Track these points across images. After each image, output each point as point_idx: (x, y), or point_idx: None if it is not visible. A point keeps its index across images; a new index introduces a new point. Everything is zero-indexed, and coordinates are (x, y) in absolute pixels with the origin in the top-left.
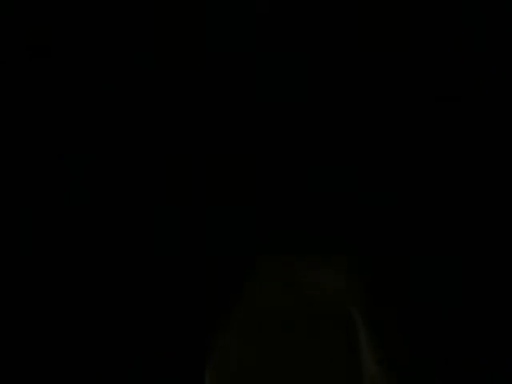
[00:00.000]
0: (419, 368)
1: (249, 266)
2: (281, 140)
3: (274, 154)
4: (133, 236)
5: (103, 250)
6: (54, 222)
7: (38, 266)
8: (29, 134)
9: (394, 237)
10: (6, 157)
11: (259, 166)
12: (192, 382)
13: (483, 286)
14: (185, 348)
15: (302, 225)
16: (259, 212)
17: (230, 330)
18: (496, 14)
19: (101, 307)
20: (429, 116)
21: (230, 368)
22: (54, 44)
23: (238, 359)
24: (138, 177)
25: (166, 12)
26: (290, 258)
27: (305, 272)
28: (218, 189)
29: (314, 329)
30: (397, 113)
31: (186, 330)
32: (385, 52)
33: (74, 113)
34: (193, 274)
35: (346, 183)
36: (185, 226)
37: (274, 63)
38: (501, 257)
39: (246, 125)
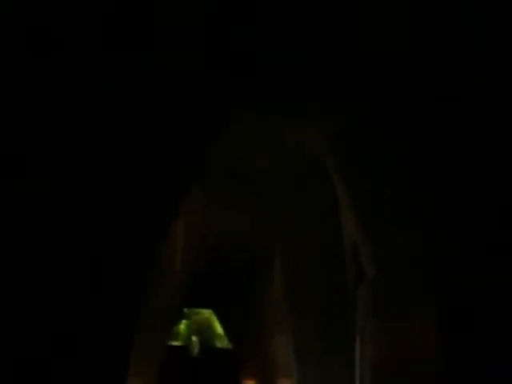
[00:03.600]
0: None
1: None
2: None
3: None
4: None
5: None
6: None
7: None
8: None
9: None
10: None
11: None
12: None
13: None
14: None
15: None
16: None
17: (203, 181)
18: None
19: None
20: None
21: (200, 216)
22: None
23: (210, 208)
24: None
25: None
26: (273, 118)
27: (287, 130)
28: None
29: (291, 181)
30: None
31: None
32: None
33: None
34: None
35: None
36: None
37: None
38: None
39: None
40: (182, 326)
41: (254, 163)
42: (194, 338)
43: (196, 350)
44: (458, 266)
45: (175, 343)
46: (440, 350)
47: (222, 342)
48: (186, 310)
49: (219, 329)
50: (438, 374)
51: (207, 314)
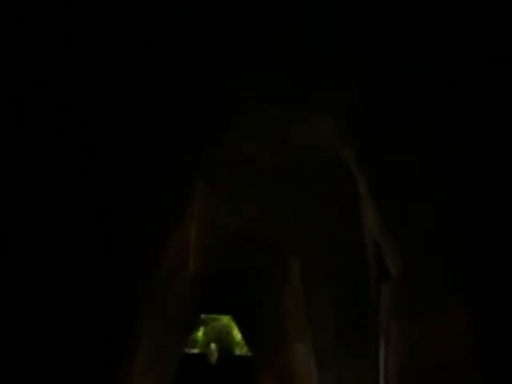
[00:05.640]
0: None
1: (233, 122)
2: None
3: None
4: None
5: None
6: None
7: None
8: None
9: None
10: None
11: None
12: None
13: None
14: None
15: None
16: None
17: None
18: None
19: None
20: None
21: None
22: None
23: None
24: None
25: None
26: (277, 112)
27: (292, 123)
28: None
29: (308, 178)
30: None
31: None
32: None
33: None
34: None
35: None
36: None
37: None
38: None
39: None
40: (200, 333)
41: (267, 161)
42: (213, 346)
43: (214, 357)
44: (487, 262)
45: (193, 351)
46: (473, 350)
47: (241, 350)
48: (203, 316)
49: (238, 336)
50: (472, 375)
51: (226, 320)
